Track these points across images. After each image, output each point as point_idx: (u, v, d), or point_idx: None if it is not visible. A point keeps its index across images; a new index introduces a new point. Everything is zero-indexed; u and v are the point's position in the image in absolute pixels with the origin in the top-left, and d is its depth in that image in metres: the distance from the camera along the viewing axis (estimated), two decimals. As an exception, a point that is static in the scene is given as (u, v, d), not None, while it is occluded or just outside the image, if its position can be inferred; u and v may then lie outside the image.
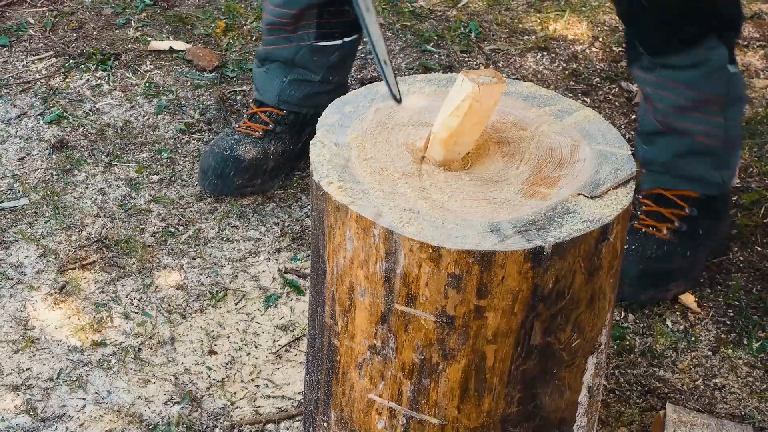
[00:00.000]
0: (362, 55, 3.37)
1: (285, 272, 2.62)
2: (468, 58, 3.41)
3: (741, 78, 2.60)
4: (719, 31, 2.51)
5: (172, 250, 2.67)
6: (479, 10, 3.66)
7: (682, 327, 2.53)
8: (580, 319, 1.67)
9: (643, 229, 2.62)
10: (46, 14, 3.49)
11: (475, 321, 1.61)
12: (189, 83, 3.23)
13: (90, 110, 3.11)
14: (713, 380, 2.41)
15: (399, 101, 1.78)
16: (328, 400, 1.80)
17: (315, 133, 1.77)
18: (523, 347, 1.64)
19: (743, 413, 2.34)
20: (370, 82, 3.20)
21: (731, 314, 2.57)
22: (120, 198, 2.81)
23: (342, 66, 2.88)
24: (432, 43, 3.45)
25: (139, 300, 2.53)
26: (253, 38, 3.44)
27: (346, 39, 2.83)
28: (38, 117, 3.07)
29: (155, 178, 2.89)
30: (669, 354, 2.47)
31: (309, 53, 2.82)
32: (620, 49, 3.47)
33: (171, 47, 3.37)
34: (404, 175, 1.69)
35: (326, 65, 2.84)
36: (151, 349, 2.42)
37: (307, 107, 2.87)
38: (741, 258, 2.72)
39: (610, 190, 1.68)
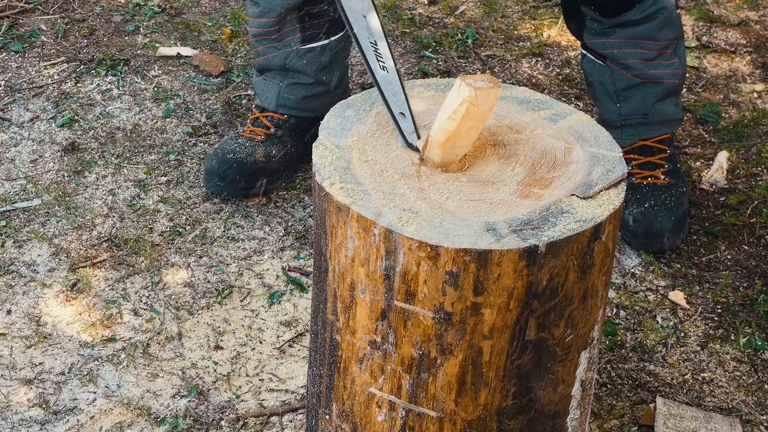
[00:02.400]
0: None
1: (288, 270, 2.62)
2: (465, 63, 3.40)
3: (679, 15, 2.80)
4: None
5: (180, 248, 2.67)
6: (476, 17, 3.66)
7: (671, 323, 2.53)
8: (574, 315, 1.67)
9: (644, 182, 2.75)
10: (58, 21, 3.49)
11: (471, 317, 1.61)
12: (196, 88, 3.23)
13: (100, 114, 3.11)
14: (702, 374, 2.41)
15: (418, 150, 1.74)
16: (330, 393, 1.80)
17: (316, 136, 1.77)
18: (518, 342, 1.64)
19: (730, 406, 2.34)
20: (371, 87, 3.20)
21: (719, 311, 2.57)
22: (129, 198, 2.81)
23: (333, 65, 2.87)
24: (430, 49, 3.45)
25: (147, 297, 2.53)
26: (258, 44, 3.44)
27: (332, 38, 2.83)
28: (50, 120, 3.07)
29: (163, 179, 2.88)
30: (659, 349, 2.47)
31: (297, 57, 2.82)
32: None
33: (178, 53, 3.37)
34: (403, 176, 1.69)
35: (317, 66, 2.83)
36: (159, 344, 2.42)
37: (306, 111, 2.87)
38: (728, 256, 2.72)
39: (602, 190, 1.68)
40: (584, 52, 2.78)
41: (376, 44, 1.79)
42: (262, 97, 2.90)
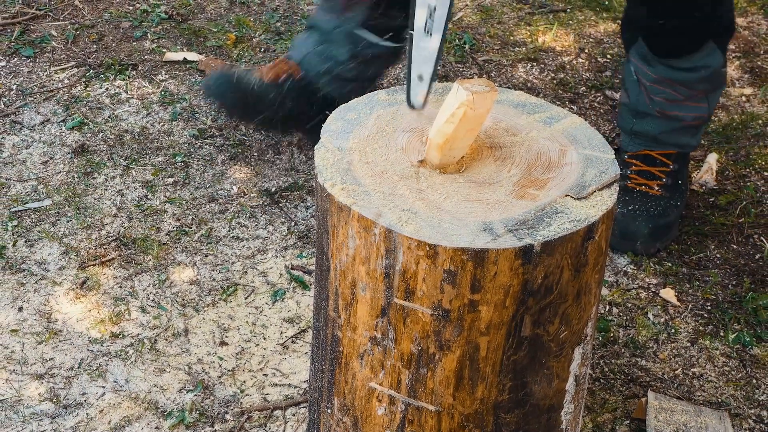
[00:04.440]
0: (364, 66, 3.37)
1: (291, 268, 2.62)
2: (462, 68, 3.40)
3: (726, 70, 2.72)
4: (716, 36, 2.57)
5: (186, 247, 2.67)
6: (473, 23, 3.66)
7: (662, 320, 2.53)
8: (568, 312, 1.67)
9: (637, 188, 2.72)
10: (68, 27, 3.49)
11: (469, 314, 1.61)
12: (201, 92, 3.23)
13: (109, 117, 3.11)
14: (692, 369, 2.41)
15: (414, 106, 1.74)
16: (332, 388, 1.80)
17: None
18: (514, 339, 1.64)
19: (719, 400, 2.34)
20: (371, 90, 3.19)
21: (709, 308, 2.57)
22: (137, 199, 2.81)
23: (367, 62, 2.76)
24: (429, 54, 3.45)
25: (155, 294, 2.53)
26: (262, 50, 3.44)
27: (383, 42, 2.74)
28: (61, 123, 3.07)
29: (170, 180, 2.88)
30: (651, 345, 2.47)
31: (343, 35, 2.73)
32: (605, 59, 3.47)
33: (185, 58, 3.37)
34: (403, 177, 1.69)
35: (352, 52, 2.73)
36: (166, 340, 2.42)
37: (322, 83, 2.75)
38: (718, 255, 2.72)
39: (595, 191, 1.68)
40: (628, 60, 2.72)
41: (434, 9, 1.74)
42: (294, 49, 2.80)
